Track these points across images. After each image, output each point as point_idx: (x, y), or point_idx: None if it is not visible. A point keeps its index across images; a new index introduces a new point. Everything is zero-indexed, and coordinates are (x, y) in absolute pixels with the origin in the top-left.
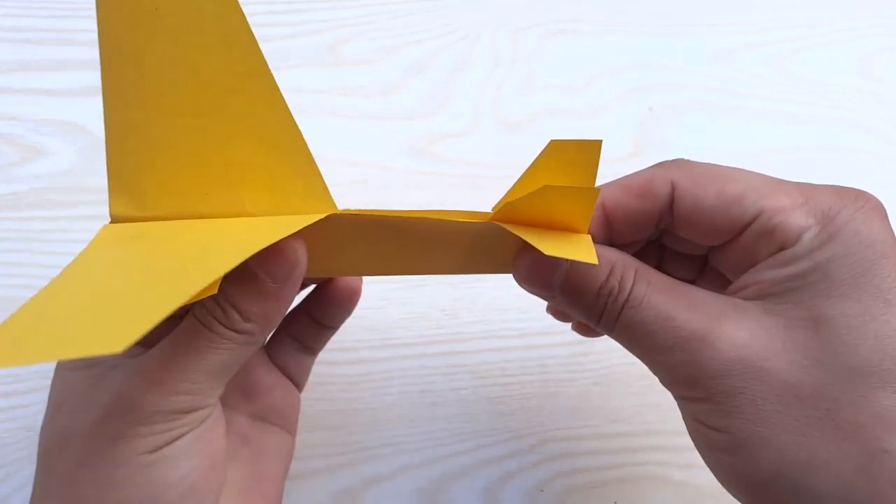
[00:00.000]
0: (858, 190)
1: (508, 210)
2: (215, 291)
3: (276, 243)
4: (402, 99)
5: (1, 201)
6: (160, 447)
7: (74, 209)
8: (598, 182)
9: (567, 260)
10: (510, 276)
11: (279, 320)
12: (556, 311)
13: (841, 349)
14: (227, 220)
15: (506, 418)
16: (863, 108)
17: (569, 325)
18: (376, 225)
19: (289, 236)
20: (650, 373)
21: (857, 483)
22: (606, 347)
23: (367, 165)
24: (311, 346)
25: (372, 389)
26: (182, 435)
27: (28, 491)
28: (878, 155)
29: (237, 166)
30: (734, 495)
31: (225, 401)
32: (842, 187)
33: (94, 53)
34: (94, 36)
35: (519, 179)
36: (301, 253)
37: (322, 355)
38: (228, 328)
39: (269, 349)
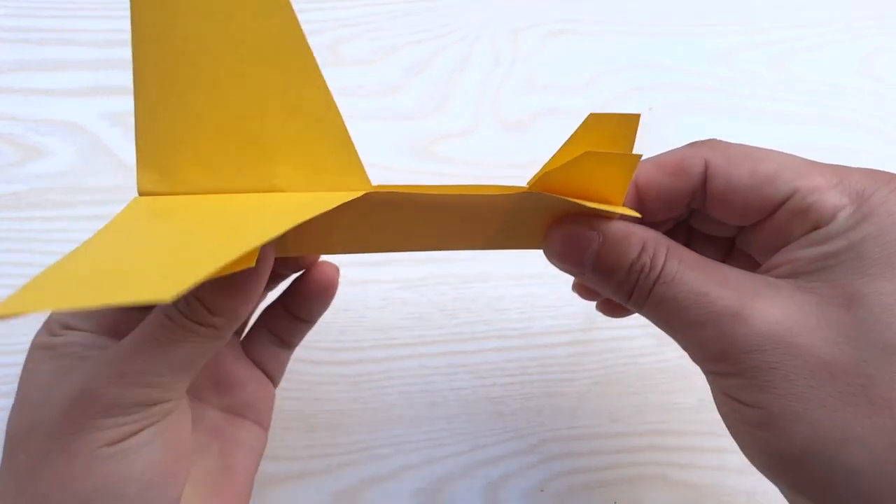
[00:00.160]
0: (891, 173)
1: (547, 179)
2: (253, 264)
3: None
4: (401, 99)
5: (1, 201)
6: (122, 439)
7: (74, 209)
8: None
9: (599, 236)
10: (510, 275)
11: (245, 315)
12: (582, 289)
13: (875, 326)
14: (263, 195)
15: (506, 418)
16: (863, 108)
17: (569, 326)
18: (411, 202)
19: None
20: (650, 373)
21: (891, 458)
22: (606, 347)
23: (367, 165)
24: (288, 341)
25: (372, 389)
26: (144, 427)
27: None
28: (878, 155)
29: (272, 141)
30: (763, 471)
31: (197, 394)
32: (874, 170)
33: (94, 53)
34: (95, 36)
35: (557, 152)
36: (267, 247)
37: (322, 355)
38: (193, 321)
39: (245, 343)
